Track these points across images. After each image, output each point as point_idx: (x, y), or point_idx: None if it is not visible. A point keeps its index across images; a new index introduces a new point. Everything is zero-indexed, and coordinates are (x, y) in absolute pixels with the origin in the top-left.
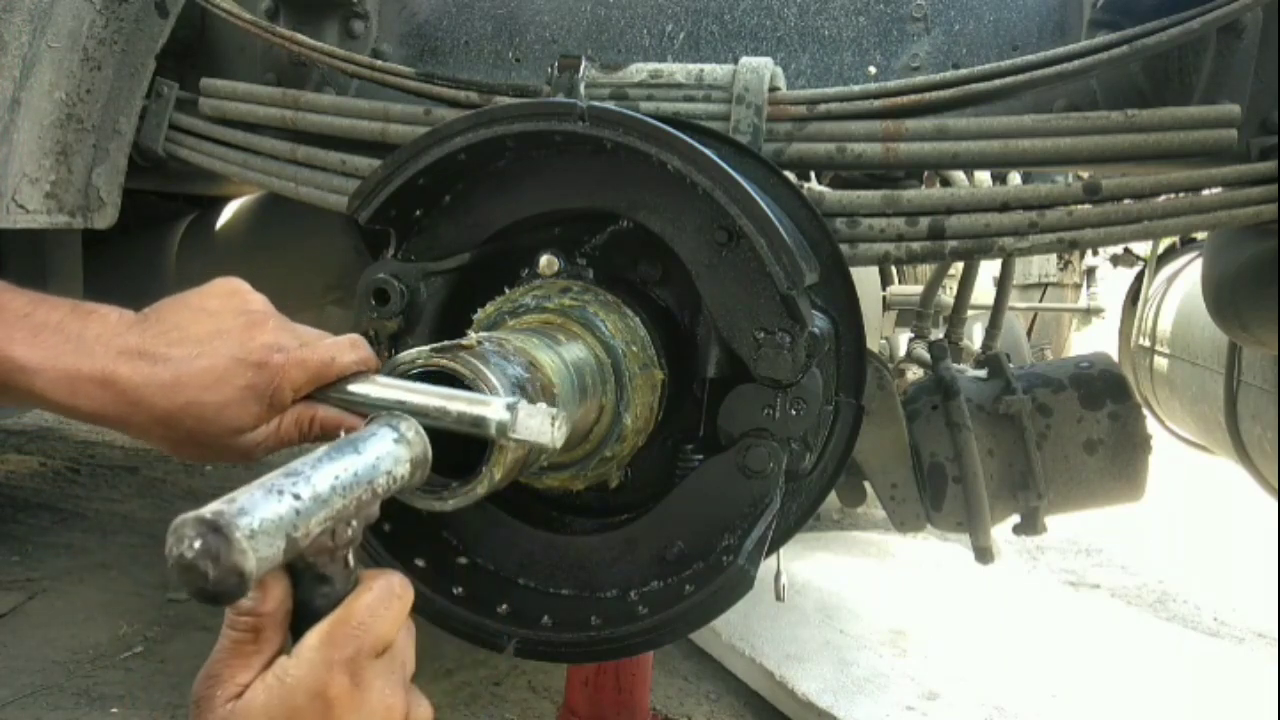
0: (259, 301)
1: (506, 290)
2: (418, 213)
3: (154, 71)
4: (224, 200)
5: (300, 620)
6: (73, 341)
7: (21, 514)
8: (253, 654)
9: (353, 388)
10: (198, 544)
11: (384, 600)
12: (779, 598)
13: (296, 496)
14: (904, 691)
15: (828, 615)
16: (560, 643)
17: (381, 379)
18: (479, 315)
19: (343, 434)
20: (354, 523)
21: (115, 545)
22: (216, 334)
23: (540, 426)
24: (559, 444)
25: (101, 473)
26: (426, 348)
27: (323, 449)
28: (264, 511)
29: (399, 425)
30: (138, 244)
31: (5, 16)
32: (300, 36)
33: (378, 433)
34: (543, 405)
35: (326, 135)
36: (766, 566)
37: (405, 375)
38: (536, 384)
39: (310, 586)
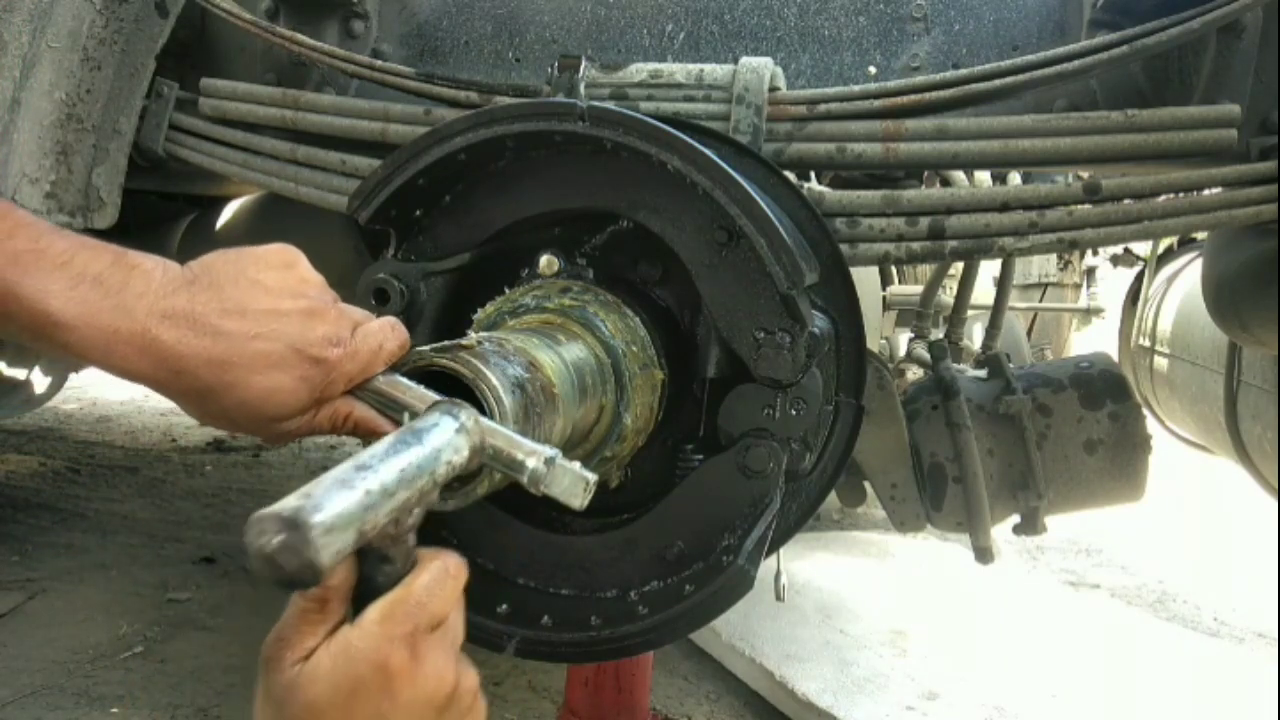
0: (316, 283)
1: (506, 290)
2: (418, 213)
3: (154, 71)
4: (224, 200)
5: (362, 594)
6: (113, 297)
7: (21, 514)
8: (318, 622)
9: (397, 394)
10: (277, 540)
11: (440, 580)
12: (779, 598)
13: (367, 492)
14: (904, 691)
15: (828, 615)
16: (560, 643)
17: (429, 394)
18: (479, 315)
19: (406, 417)
20: (416, 510)
21: (115, 545)
22: (275, 315)
23: (572, 487)
24: (584, 507)
25: (101, 473)
26: (427, 348)
27: (388, 438)
28: (337, 507)
29: (459, 414)
30: (138, 244)
31: (5, 16)
32: (300, 36)
33: (440, 422)
34: (579, 466)
35: (326, 135)
36: (766, 566)
37: (407, 375)
38: (536, 384)
39: (373, 565)
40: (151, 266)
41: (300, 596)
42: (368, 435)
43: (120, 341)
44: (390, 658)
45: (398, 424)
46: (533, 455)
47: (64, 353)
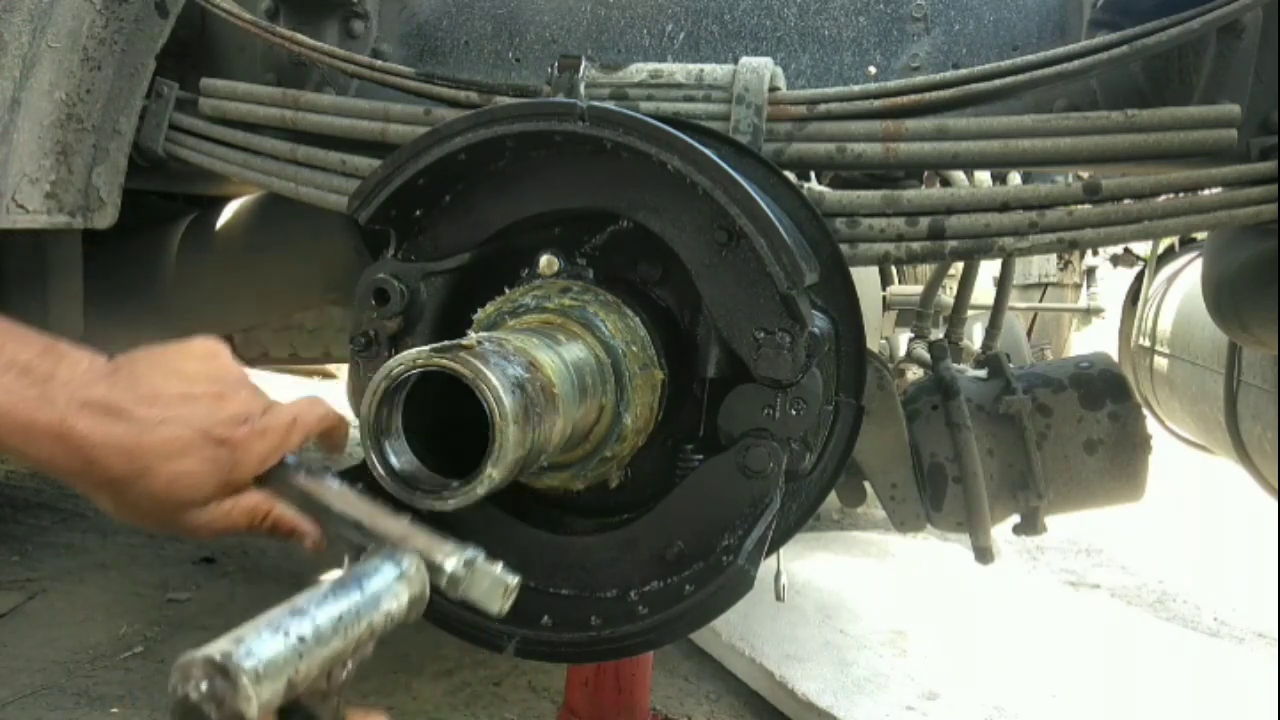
0: (235, 370)
1: (506, 290)
2: (418, 213)
3: (154, 71)
4: (224, 200)
5: None
6: (37, 387)
7: (21, 514)
8: None
9: (320, 495)
10: (204, 687)
11: None
12: (779, 598)
13: (301, 639)
14: (904, 691)
15: (828, 615)
16: (560, 643)
17: (351, 495)
18: (479, 315)
19: (332, 576)
20: (349, 664)
21: (115, 545)
22: (184, 400)
23: (491, 590)
24: (503, 613)
25: None
26: (426, 348)
27: (328, 584)
28: (268, 653)
29: (402, 562)
30: (138, 244)
31: (5, 16)
32: (300, 36)
33: (381, 569)
34: (501, 570)
35: (326, 135)
36: (766, 566)
37: (404, 377)
38: (536, 384)
39: (300, 718)
40: (79, 357)
41: None
42: (287, 535)
43: (38, 432)
44: None
45: (319, 524)
46: (451, 557)
47: None
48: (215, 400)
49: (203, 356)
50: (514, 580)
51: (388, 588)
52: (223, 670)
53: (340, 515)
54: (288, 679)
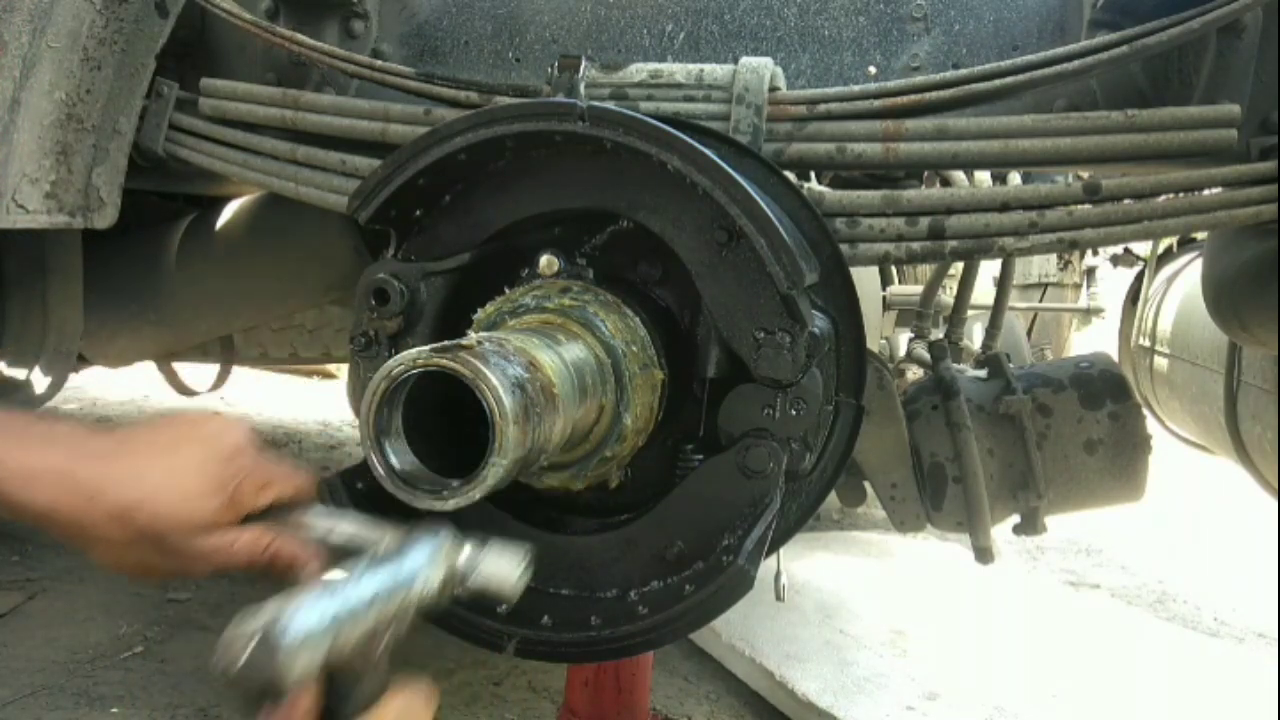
0: (231, 421)
1: (506, 290)
2: (418, 213)
3: (154, 71)
4: (224, 200)
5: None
6: (38, 439)
7: None
8: None
9: (314, 520)
10: (246, 656)
11: (409, 711)
12: (779, 598)
13: (340, 609)
14: (904, 691)
15: (828, 615)
16: (560, 643)
17: (347, 519)
18: (479, 315)
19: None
20: (389, 632)
21: None
22: (184, 439)
23: (504, 573)
24: (517, 597)
25: None
26: (426, 348)
27: (368, 556)
28: (310, 623)
29: (438, 538)
30: (138, 244)
31: (5, 16)
32: (300, 36)
33: (419, 543)
34: (507, 550)
35: (326, 135)
36: (766, 566)
37: (404, 377)
38: (536, 384)
39: (344, 688)
40: (74, 422)
41: None
42: (287, 568)
43: (41, 472)
44: None
45: (319, 554)
46: (462, 549)
47: None
48: (217, 435)
49: (196, 416)
50: (526, 557)
51: (426, 563)
52: (265, 641)
53: (344, 538)
54: (328, 647)
